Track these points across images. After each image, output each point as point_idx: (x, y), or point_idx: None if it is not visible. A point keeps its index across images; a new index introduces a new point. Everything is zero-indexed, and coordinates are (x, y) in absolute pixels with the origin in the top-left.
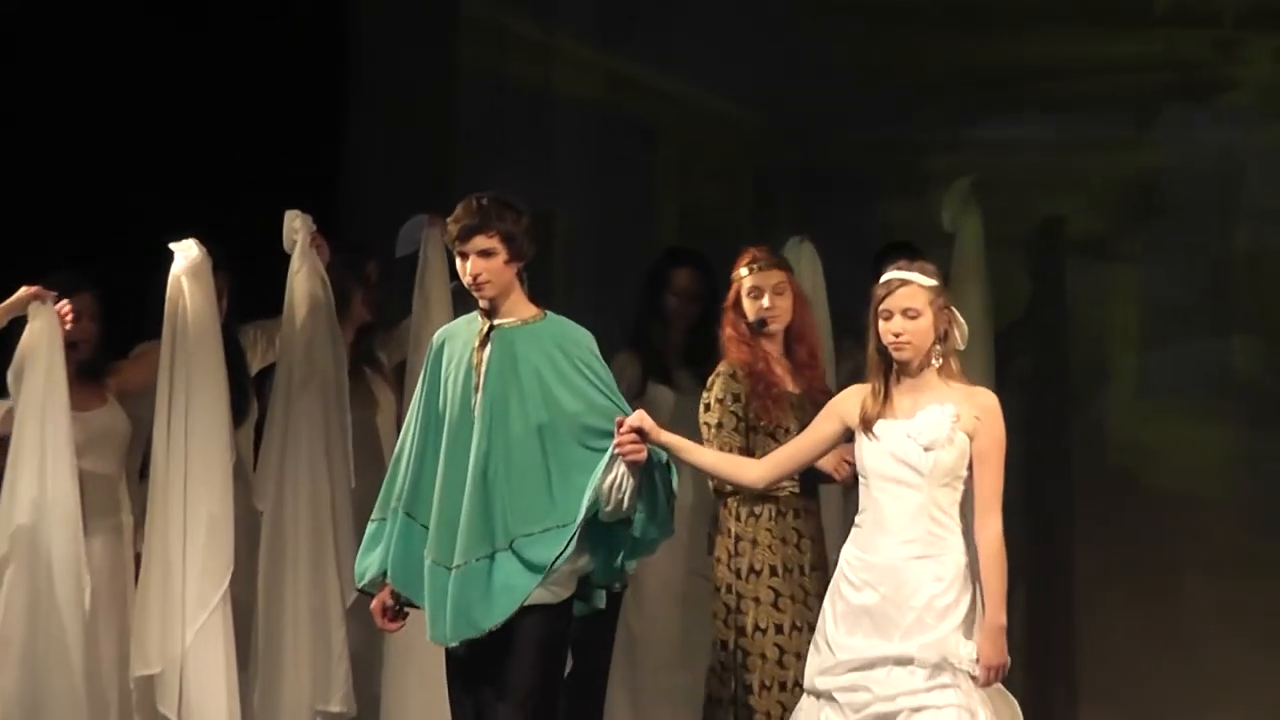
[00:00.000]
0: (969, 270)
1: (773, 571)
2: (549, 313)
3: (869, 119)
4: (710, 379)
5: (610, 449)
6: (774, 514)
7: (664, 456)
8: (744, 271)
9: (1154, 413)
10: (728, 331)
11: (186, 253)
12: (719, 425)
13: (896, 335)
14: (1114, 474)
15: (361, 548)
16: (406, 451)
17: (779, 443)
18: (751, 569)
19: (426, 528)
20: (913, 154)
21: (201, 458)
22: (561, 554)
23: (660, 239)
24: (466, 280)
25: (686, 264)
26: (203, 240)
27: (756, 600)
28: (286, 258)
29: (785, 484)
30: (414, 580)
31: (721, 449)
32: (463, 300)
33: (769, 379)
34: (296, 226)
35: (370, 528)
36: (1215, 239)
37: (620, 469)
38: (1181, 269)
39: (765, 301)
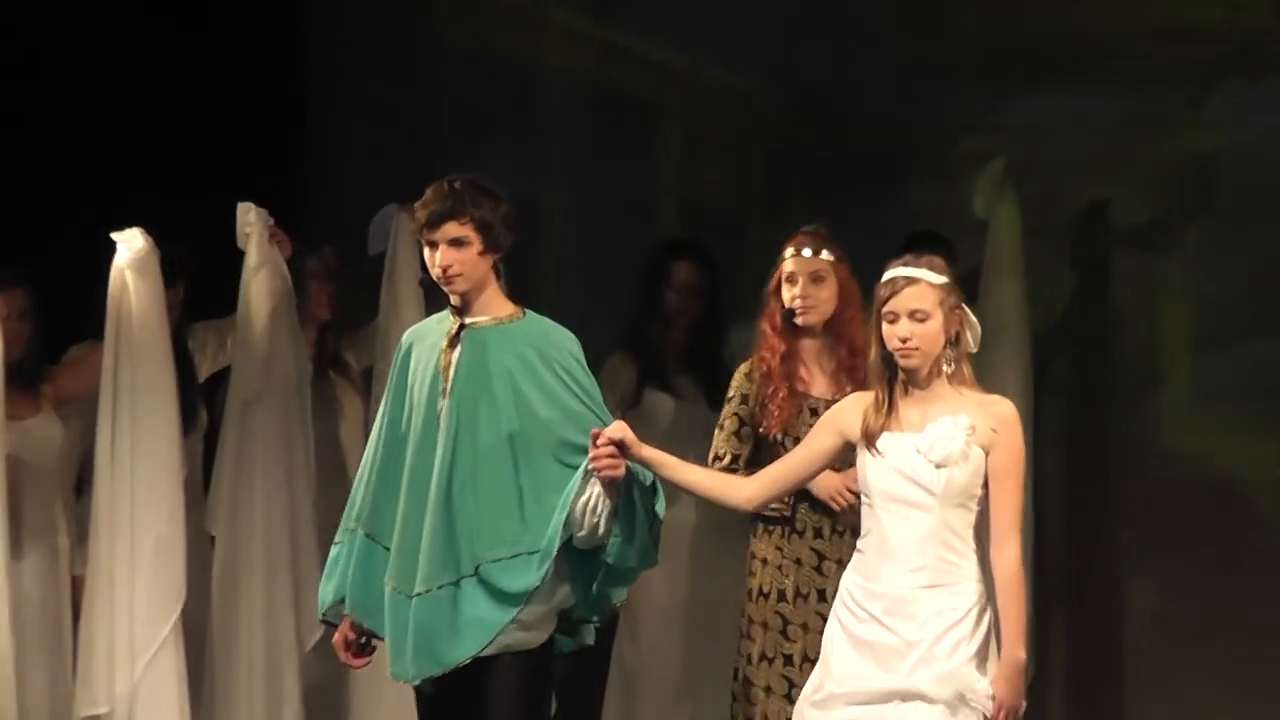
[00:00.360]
0: (1003, 263)
1: (781, 596)
2: (528, 312)
3: (892, 95)
4: None
5: (584, 465)
6: (787, 532)
7: (649, 476)
8: (787, 253)
9: (1209, 421)
10: (762, 321)
11: (130, 243)
12: (720, 426)
13: (904, 340)
14: (1164, 488)
15: (324, 574)
16: (368, 465)
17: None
18: (760, 591)
19: (388, 550)
20: (941, 134)
21: (149, 473)
22: (535, 585)
23: (659, 229)
24: (435, 273)
25: (687, 257)
26: (150, 235)
27: (764, 626)
28: (238, 252)
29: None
30: (376, 609)
31: (719, 453)
32: (435, 298)
33: (780, 379)
34: (250, 220)
35: (332, 551)
36: (1277, 229)
37: (595, 489)
38: (1239, 262)
39: (798, 289)
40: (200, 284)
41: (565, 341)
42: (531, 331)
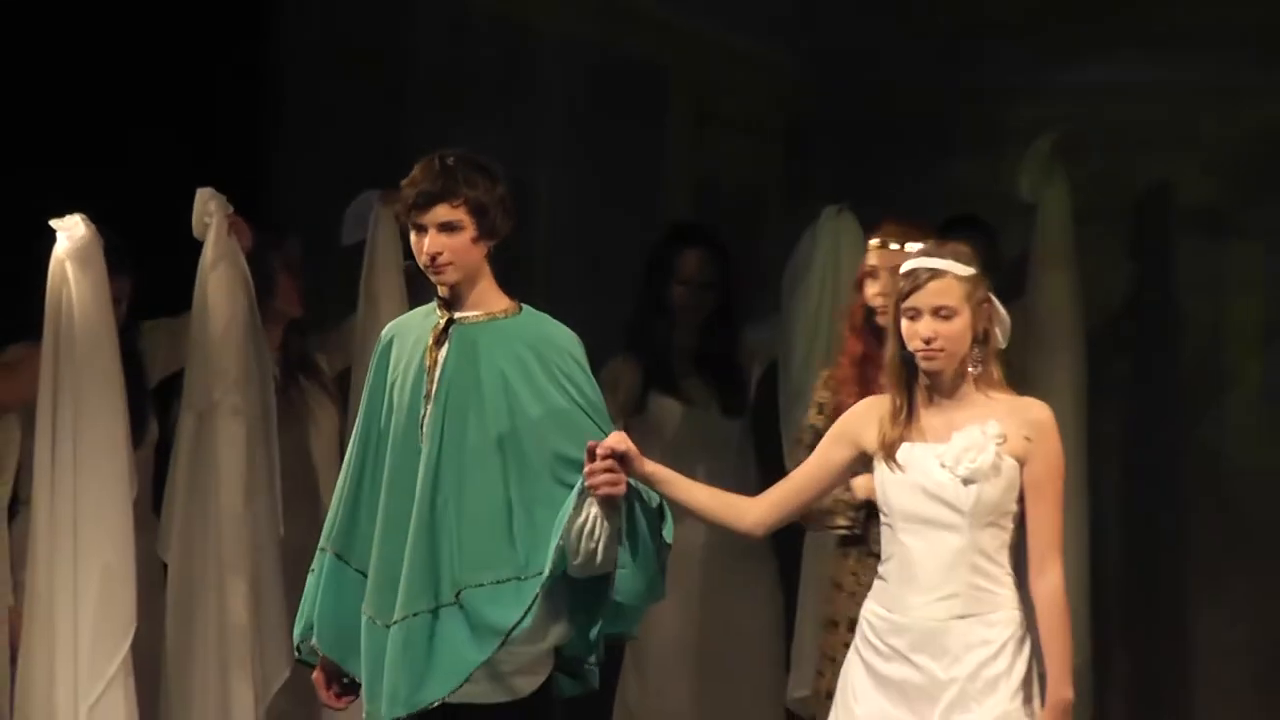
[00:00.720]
0: (1053, 250)
1: (850, 627)
2: (525, 307)
3: (929, 60)
4: None
5: (579, 483)
6: (861, 554)
7: (654, 495)
8: (871, 244)
9: None
10: (842, 320)
11: (71, 231)
12: (796, 441)
13: (927, 342)
14: (1233, 501)
15: (301, 604)
16: (344, 477)
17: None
18: (831, 620)
19: (363, 574)
20: (983, 104)
21: (93, 492)
22: (519, 621)
23: (667, 212)
24: (423, 260)
25: (698, 245)
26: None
27: (833, 660)
28: (194, 245)
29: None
30: (348, 641)
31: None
32: (418, 291)
33: (855, 386)
34: (211, 209)
35: (309, 580)
36: None
37: (592, 510)
38: None
39: (881, 286)
40: (150, 278)
41: (565, 341)
42: (528, 329)
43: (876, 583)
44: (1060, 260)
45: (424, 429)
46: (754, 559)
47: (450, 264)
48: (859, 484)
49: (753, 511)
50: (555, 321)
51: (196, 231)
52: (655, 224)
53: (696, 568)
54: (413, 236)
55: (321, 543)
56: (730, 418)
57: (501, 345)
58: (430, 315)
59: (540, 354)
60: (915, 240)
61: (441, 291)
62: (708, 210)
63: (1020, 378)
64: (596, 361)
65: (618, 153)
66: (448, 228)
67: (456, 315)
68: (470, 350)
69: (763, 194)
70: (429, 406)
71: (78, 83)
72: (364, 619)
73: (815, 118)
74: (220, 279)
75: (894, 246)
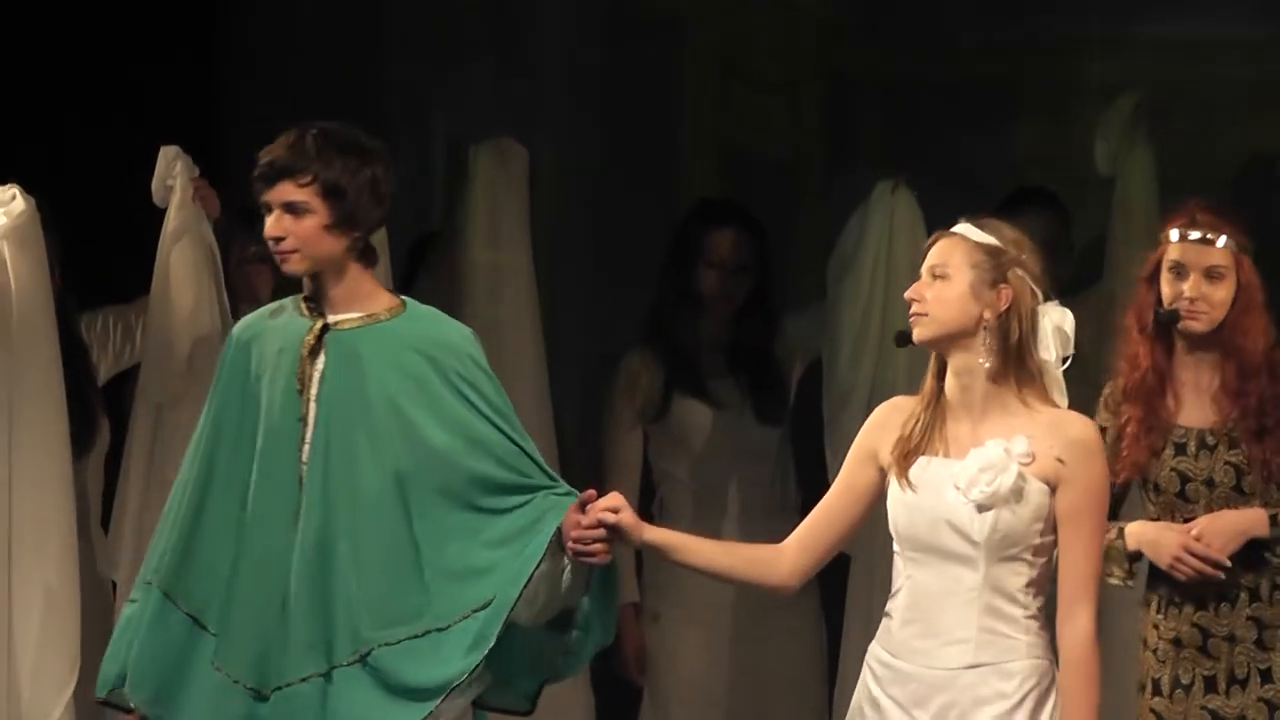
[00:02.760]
0: (1134, 230)
1: (1156, 689)
2: (408, 301)
3: (988, 8)
4: None
5: (551, 528)
6: (1165, 602)
7: None
8: (1172, 235)
9: None
10: (1127, 317)
11: (8, 207)
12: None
13: (910, 305)
14: None
15: (111, 641)
16: (178, 500)
17: (1151, 503)
18: (1139, 684)
19: (194, 619)
20: (1054, 60)
21: (33, 507)
22: (461, 675)
23: (687, 186)
24: (269, 244)
25: (730, 223)
26: (28, 190)
27: None
28: (153, 215)
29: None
30: (171, 694)
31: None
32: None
33: (1137, 401)
34: (176, 170)
35: (125, 610)
36: None
37: (565, 564)
38: None
39: (1187, 287)
40: (96, 262)
41: (461, 342)
42: (414, 331)
43: (884, 622)
44: (1143, 239)
45: (303, 458)
46: (781, 602)
47: (294, 251)
48: (1133, 532)
49: (781, 563)
50: (446, 318)
51: (157, 197)
52: (673, 199)
53: (725, 600)
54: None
55: (145, 574)
56: (766, 424)
57: (388, 354)
58: (293, 317)
59: (434, 360)
60: (1228, 232)
61: (305, 287)
62: (733, 183)
63: (1098, 374)
64: (611, 358)
65: (633, 117)
66: (292, 209)
67: (331, 319)
68: (353, 363)
69: (797, 164)
70: (308, 431)
71: (21, 42)
72: (216, 678)
73: (857, 75)
74: (184, 251)
75: (1197, 237)
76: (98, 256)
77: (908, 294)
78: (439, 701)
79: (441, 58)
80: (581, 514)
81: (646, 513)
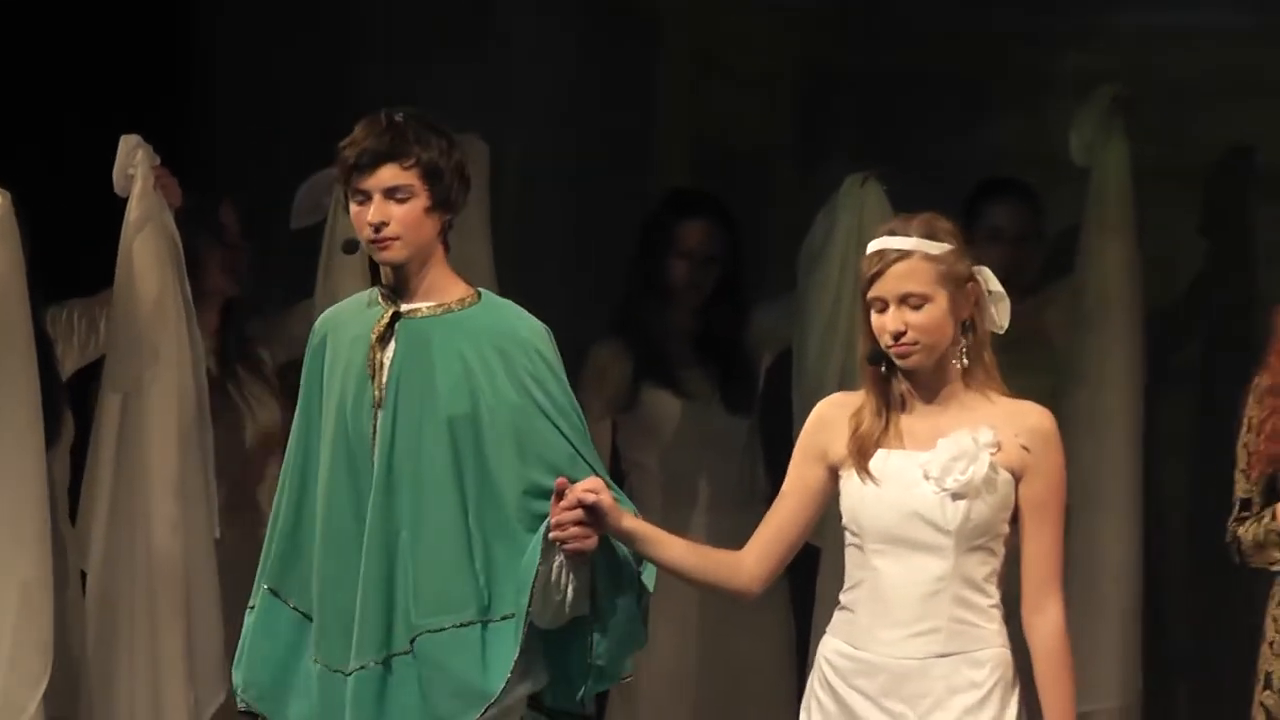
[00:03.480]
0: (1110, 220)
1: (1267, 683)
2: (484, 293)
3: (962, 3)
4: None
5: (543, 527)
6: None
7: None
8: None
9: None
10: (1278, 314)
11: None
12: (1236, 465)
13: (897, 337)
14: None
15: (238, 649)
16: (281, 501)
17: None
18: (1258, 676)
19: (303, 614)
20: (1027, 51)
21: (8, 502)
22: (504, 683)
23: (659, 178)
24: (365, 233)
25: (699, 214)
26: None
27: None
28: (115, 205)
29: None
30: (282, 693)
31: (1235, 497)
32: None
33: (1276, 394)
34: (137, 159)
35: (247, 618)
36: None
37: (558, 559)
38: None
39: None
40: (62, 254)
41: (533, 337)
42: (489, 323)
43: (837, 615)
44: (1119, 230)
45: (374, 443)
46: None
47: (398, 238)
48: None
49: (747, 565)
50: (520, 310)
51: (118, 186)
52: (645, 191)
53: (693, 592)
54: (352, 207)
55: (259, 577)
56: (735, 414)
57: (458, 344)
58: (371, 307)
59: (504, 353)
60: None
61: (385, 277)
62: (706, 174)
63: (1068, 365)
64: (580, 349)
65: (604, 106)
66: (396, 194)
67: (404, 307)
68: (423, 350)
69: (770, 155)
70: (378, 414)
71: None
72: (316, 670)
73: (831, 67)
74: (147, 241)
75: None
76: (65, 250)
77: (891, 327)
78: (481, 713)
79: (413, 50)
80: (560, 501)
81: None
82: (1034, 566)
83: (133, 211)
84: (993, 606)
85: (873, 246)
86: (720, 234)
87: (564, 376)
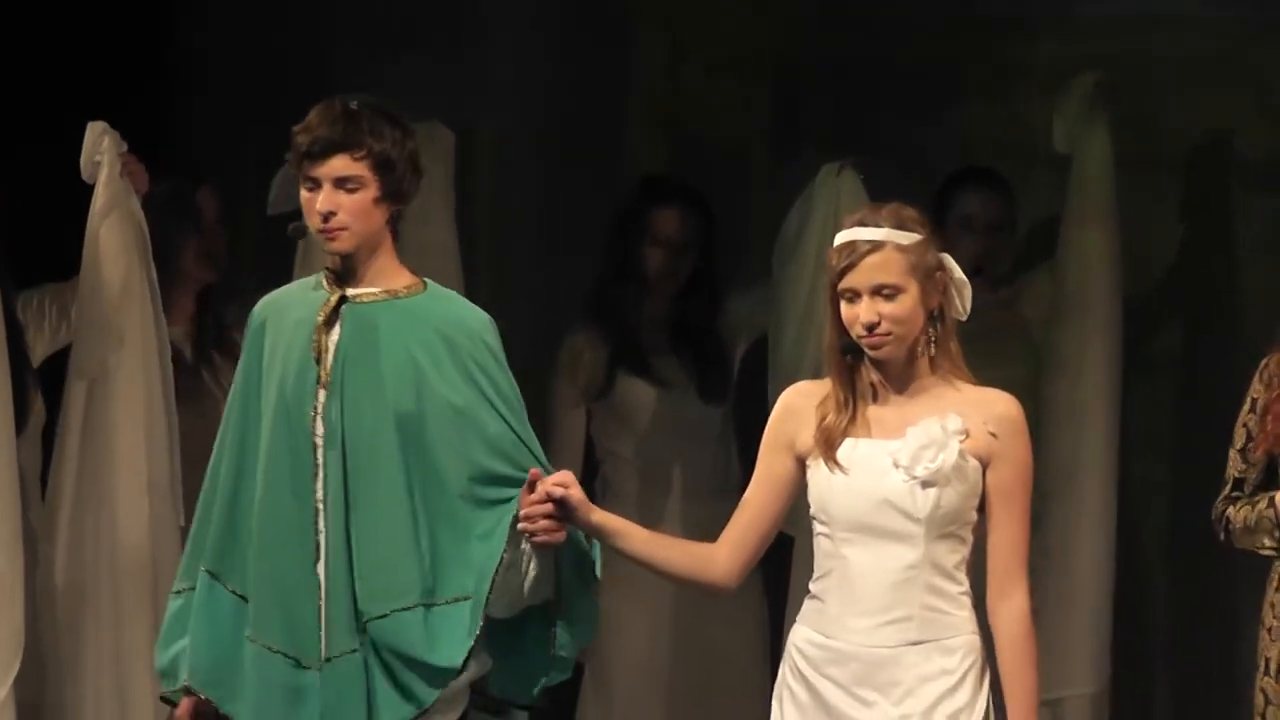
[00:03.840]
0: (1090, 209)
1: (1266, 668)
2: (429, 283)
3: None
4: None
5: (509, 515)
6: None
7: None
8: None
9: None
10: None
11: None
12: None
13: (870, 328)
14: None
15: (161, 634)
16: (217, 482)
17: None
18: (1257, 662)
19: (241, 597)
20: (1004, 39)
21: None
22: (458, 666)
23: (634, 165)
24: (313, 221)
25: (673, 202)
26: None
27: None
28: (83, 192)
29: None
30: (226, 678)
31: (1225, 475)
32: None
33: None
34: (103, 146)
35: (172, 605)
36: None
37: (524, 546)
38: None
39: None
40: (23, 231)
41: (479, 327)
42: (433, 311)
43: (807, 604)
44: (1099, 219)
45: (318, 424)
46: None
47: (345, 228)
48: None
49: (721, 559)
50: (465, 301)
51: (85, 173)
52: (620, 178)
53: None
54: (303, 193)
55: (187, 560)
56: (710, 402)
57: (405, 331)
58: (315, 290)
59: (450, 340)
60: None
61: (331, 262)
62: (681, 162)
63: (1047, 354)
64: (552, 336)
65: (578, 94)
66: (345, 184)
67: (350, 292)
68: (369, 335)
69: (745, 143)
70: (321, 397)
71: None
72: (253, 649)
73: (805, 56)
74: (113, 228)
75: None
76: (38, 235)
77: (864, 319)
78: (439, 691)
79: (389, 38)
80: (530, 493)
81: (589, 490)
82: (999, 554)
83: (99, 198)
84: (963, 594)
85: (841, 238)
86: (696, 222)
87: (507, 367)
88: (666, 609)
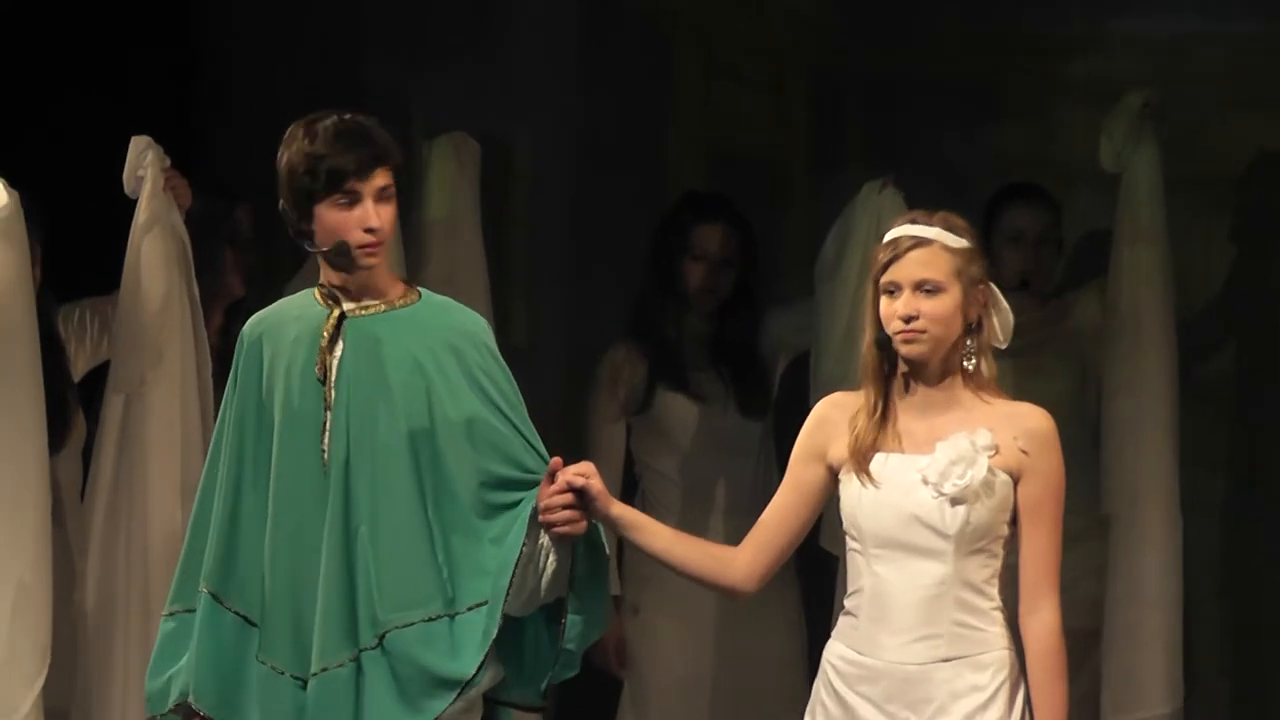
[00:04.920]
0: (1142, 228)
1: None
2: (423, 291)
3: (974, 8)
4: None
5: (529, 508)
6: None
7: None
8: None
9: None
10: None
11: None
12: None
13: (907, 321)
14: None
15: (153, 658)
16: (216, 504)
17: None
18: None
19: (244, 618)
20: (1049, 54)
21: (8, 502)
22: (477, 671)
23: (671, 182)
24: (357, 237)
25: (715, 217)
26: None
27: None
28: (124, 205)
29: None
30: (232, 699)
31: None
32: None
33: None
34: (147, 160)
35: (165, 627)
36: None
37: (543, 540)
38: None
39: None
40: (70, 255)
41: (479, 332)
42: (433, 319)
43: (842, 620)
44: (1150, 238)
45: (324, 445)
46: (774, 581)
47: (384, 241)
48: None
49: (740, 563)
50: (461, 306)
51: (128, 187)
52: (657, 195)
53: (706, 593)
54: (327, 212)
55: (179, 582)
56: (749, 417)
57: (407, 341)
58: (309, 308)
59: (457, 350)
60: None
61: (331, 278)
62: (719, 179)
63: (1101, 374)
64: (589, 351)
65: (616, 111)
66: (385, 195)
67: (347, 307)
68: (372, 349)
69: (782, 160)
70: (329, 417)
71: None
72: (262, 670)
73: (844, 72)
74: (155, 242)
75: None
76: (82, 249)
77: (902, 311)
78: (455, 697)
79: (422, 53)
80: (551, 483)
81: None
82: (1030, 568)
83: (142, 213)
84: (994, 609)
85: (891, 234)
86: (736, 237)
87: (507, 368)
88: (705, 624)
